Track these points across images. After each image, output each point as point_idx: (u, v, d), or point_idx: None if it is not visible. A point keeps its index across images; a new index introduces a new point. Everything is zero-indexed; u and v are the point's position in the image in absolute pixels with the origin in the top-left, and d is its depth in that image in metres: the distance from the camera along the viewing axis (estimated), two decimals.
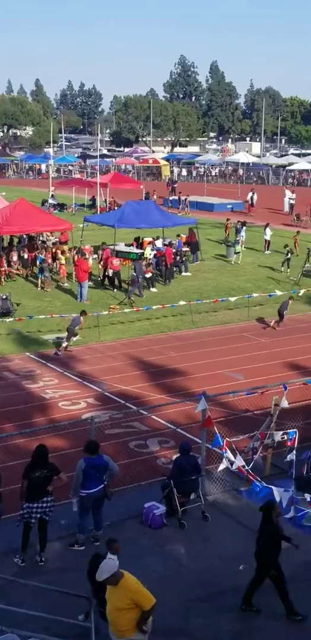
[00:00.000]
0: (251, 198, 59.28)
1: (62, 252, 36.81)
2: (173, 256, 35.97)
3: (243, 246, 41.82)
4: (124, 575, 9.23)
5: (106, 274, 33.46)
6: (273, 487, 13.85)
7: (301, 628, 11.16)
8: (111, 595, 9.26)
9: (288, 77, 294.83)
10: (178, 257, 37.58)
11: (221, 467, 14.58)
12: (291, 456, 15.16)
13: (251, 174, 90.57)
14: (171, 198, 64.02)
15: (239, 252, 40.17)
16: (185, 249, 39.85)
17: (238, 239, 41.75)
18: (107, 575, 9.18)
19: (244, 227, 43.27)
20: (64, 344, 24.14)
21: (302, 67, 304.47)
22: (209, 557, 13.12)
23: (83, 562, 11.20)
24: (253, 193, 59.78)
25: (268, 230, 42.77)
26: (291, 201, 57.87)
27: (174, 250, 37.20)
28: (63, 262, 35.63)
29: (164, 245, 37.95)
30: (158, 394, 20.42)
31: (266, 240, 42.80)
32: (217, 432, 14.72)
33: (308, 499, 13.91)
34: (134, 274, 31.44)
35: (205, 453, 15.03)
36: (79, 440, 15.22)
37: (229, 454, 14.40)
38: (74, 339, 24.59)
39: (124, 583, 9.16)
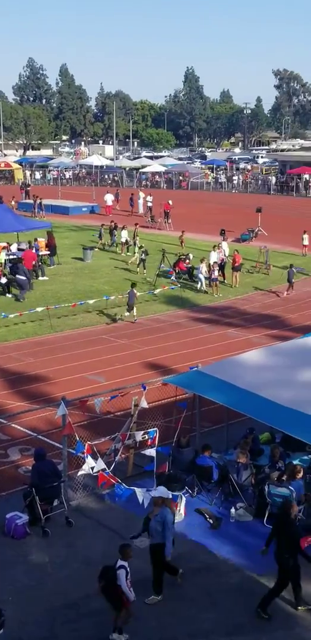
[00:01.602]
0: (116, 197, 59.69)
1: None
2: (32, 261, 35.50)
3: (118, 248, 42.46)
4: None
5: None
6: (135, 488, 13.97)
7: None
8: None
9: (137, 81, 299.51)
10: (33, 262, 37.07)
11: (81, 472, 14.53)
12: (152, 453, 15.38)
13: (105, 176, 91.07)
14: (25, 202, 63.16)
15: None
16: (43, 252, 39.46)
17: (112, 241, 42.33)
18: None
19: (116, 230, 43.55)
20: None
21: (151, 71, 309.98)
22: (73, 562, 13.06)
23: None
24: (118, 194, 60.18)
25: (124, 232, 43.19)
26: (149, 203, 58.64)
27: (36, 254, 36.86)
28: None
29: (20, 249, 37.36)
30: (18, 402, 20.05)
31: (123, 242, 43.21)
32: (77, 438, 14.65)
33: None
34: None
35: (67, 459, 14.91)
36: None
37: (89, 459, 14.36)
38: None
39: None
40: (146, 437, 15.69)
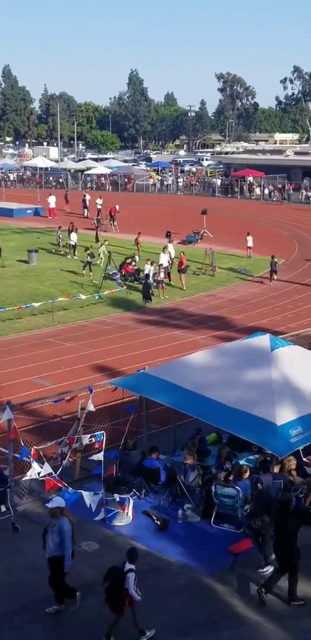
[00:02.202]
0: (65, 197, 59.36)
1: None
2: None
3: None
4: None
5: None
6: (82, 491, 13.91)
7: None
8: None
9: (81, 83, 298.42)
10: None
11: (27, 477, 14.36)
12: (99, 457, 15.32)
13: (50, 178, 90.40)
14: None
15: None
16: None
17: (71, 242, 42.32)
18: None
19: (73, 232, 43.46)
20: None
21: (95, 73, 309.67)
22: (20, 568, 12.92)
23: None
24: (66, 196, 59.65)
25: (73, 235, 43.01)
26: (99, 206, 58.25)
27: None
28: None
29: None
30: None
31: (71, 244, 42.95)
32: (22, 443, 14.49)
33: (118, 499, 14.12)
34: None
35: (13, 464, 14.74)
36: None
37: (35, 464, 14.20)
38: None
39: None
40: (93, 441, 15.60)
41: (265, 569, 12.58)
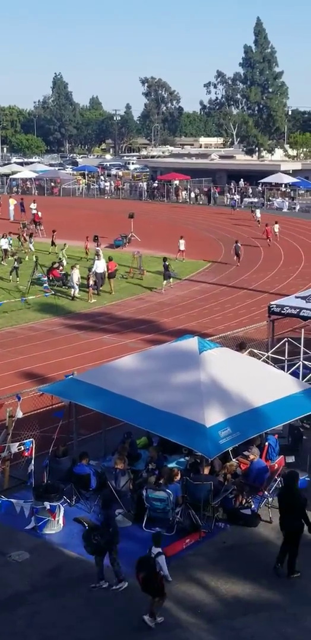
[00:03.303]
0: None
1: None
2: None
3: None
4: None
5: None
6: (12, 500, 13.70)
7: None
8: None
9: (5, 86, 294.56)
10: None
11: None
12: (31, 467, 15.17)
13: None
14: None
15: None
16: None
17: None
18: None
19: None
20: None
21: (19, 77, 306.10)
22: None
23: None
24: None
25: (3, 240, 42.36)
26: (33, 210, 57.54)
27: None
28: None
29: None
30: None
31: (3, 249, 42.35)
32: None
33: (48, 507, 13.95)
34: None
35: None
36: None
37: None
38: None
39: None
40: (22, 448, 15.42)
41: (118, 586, 12.29)
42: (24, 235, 45.14)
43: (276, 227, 50.98)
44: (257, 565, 13.02)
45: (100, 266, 34.78)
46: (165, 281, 35.78)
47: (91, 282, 33.77)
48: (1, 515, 13.95)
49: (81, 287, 34.24)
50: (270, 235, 49.16)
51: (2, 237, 42.63)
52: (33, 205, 58.06)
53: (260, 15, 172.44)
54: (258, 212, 59.89)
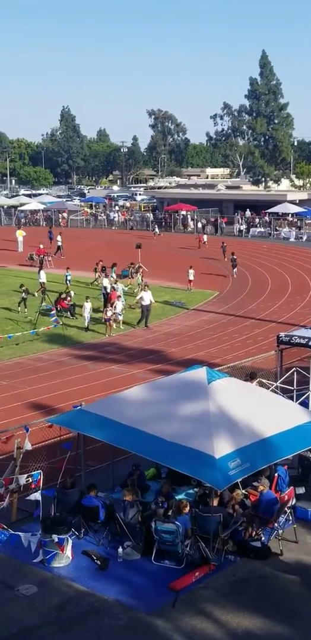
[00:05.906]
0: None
1: None
2: None
3: None
4: None
5: None
6: (20, 533, 13.59)
7: None
8: None
9: (13, 119, 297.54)
10: None
11: None
12: (37, 497, 15.03)
13: None
14: None
15: None
16: None
17: None
18: None
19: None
20: None
21: (27, 110, 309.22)
22: None
23: None
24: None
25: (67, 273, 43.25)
26: (59, 242, 58.09)
27: None
28: None
29: None
30: None
31: None
32: None
33: (56, 540, 13.81)
34: None
35: None
36: None
37: None
38: None
39: None
40: (30, 481, 15.33)
41: None
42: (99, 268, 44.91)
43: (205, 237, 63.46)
44: (268, 599, 12.84)
45: (146, 298, 34.43)
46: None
47: (109, 314, 33.55)
48: (9, 549, 13.83)
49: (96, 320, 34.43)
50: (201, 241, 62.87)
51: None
52: (59, 238, 58.64)
53: (265, 47, 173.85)
54: (205, 237, 66.05)
